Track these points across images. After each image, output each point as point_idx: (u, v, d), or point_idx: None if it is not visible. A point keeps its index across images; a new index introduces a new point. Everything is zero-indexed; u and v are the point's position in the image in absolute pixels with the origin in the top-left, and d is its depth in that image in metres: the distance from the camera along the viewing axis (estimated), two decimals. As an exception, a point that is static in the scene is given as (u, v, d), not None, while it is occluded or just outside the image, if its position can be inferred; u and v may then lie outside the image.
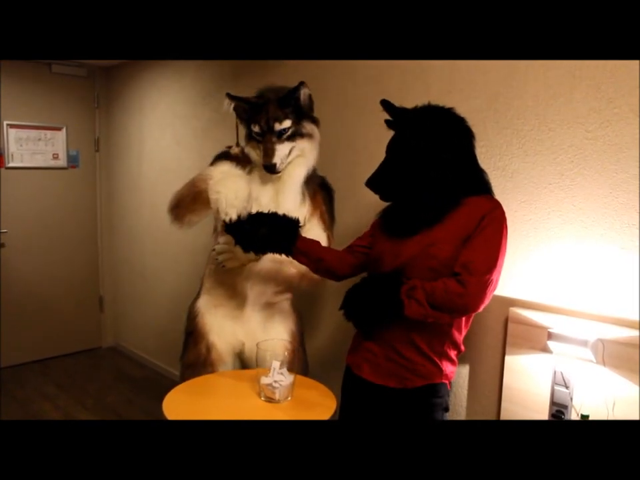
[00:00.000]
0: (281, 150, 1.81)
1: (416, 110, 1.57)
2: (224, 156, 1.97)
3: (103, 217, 4.31)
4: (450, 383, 1.64)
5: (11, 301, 3.83)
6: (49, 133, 3.94)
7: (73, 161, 4.09)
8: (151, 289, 3.94)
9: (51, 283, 4.06)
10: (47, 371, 3.86)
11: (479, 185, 1.57)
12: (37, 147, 3.90)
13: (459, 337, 1.60)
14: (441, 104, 1.57)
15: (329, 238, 1.95)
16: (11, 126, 3.75)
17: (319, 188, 1.97)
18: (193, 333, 1.99)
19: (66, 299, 4.14)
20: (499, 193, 1.87)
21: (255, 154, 1.89)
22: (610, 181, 1.62)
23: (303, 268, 1.80)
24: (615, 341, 1.56)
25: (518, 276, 1.84)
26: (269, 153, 1.79)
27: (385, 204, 1.70)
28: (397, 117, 1.60)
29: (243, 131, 1.98)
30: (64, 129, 4.00)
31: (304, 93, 1.86)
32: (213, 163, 1.97)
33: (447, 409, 1.62)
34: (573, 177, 1.70)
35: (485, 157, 1.91)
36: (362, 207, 2.32)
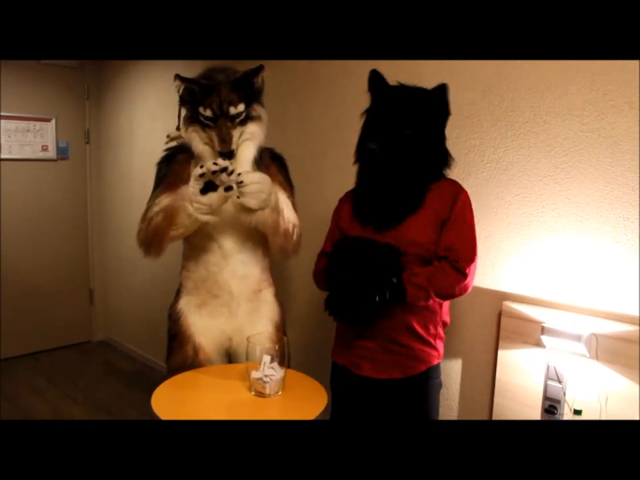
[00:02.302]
0: (235, 135, 1.76)
1: (400, 86, 1.59)
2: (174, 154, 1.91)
3: (93, 209, 4.26)
4: None
5: (0, 294, 3.79)
6: (38, 124, 3.88)
7: (62, 153, 4.03)
8: (142, 282, 3.91)
9: (41, 275, 4.01)
10: (36, 364, 3.82)
11: (443, 168, 1.58)
12: (25, 139, 3.84)
13: (445, 314, 1.65)
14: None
15: (294, 204, 1.92)
16: (-1, 117, 3.70)
17: (270, 160, 1.93)
18: (177, 336, 1.93)
19: (56, 291, 4.10)
20: (492, 186, 1.86)
21: (197, 138, 1.80)
22: (605, 174, 1.61)
23: (290, 225, 1.79)
24: (609, 335, 1.55)
25: (511, 270, 1.83)
26: (226, 139, 1.72)
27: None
28: (378, 89, 1.61)
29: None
30: (53, 120, 3.94)
31: (262, 76, 1.80)
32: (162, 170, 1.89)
33: (440, 386, 1.67)
34: (567, 170, 1.68)
35: (479, 149, 1.89)
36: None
